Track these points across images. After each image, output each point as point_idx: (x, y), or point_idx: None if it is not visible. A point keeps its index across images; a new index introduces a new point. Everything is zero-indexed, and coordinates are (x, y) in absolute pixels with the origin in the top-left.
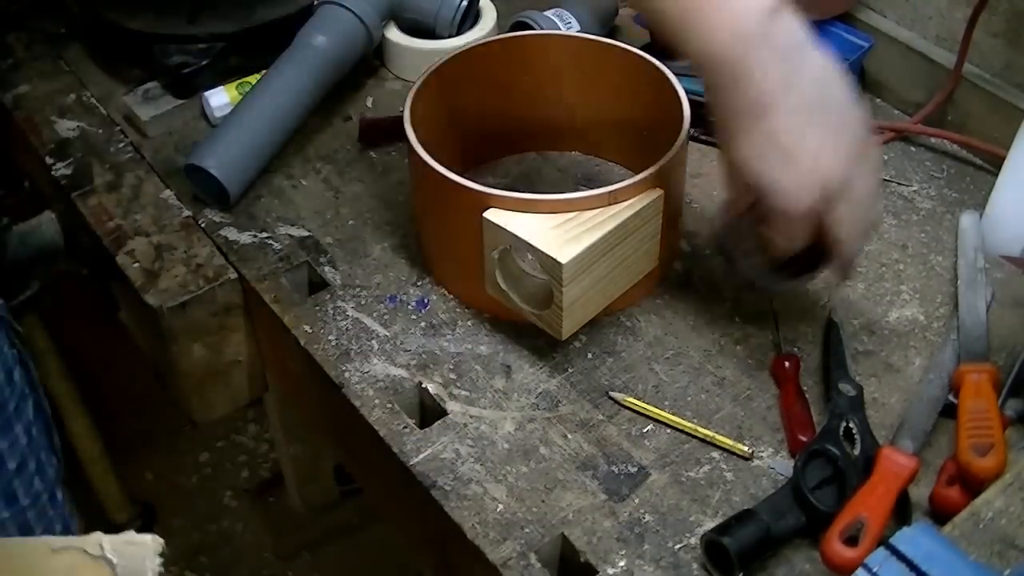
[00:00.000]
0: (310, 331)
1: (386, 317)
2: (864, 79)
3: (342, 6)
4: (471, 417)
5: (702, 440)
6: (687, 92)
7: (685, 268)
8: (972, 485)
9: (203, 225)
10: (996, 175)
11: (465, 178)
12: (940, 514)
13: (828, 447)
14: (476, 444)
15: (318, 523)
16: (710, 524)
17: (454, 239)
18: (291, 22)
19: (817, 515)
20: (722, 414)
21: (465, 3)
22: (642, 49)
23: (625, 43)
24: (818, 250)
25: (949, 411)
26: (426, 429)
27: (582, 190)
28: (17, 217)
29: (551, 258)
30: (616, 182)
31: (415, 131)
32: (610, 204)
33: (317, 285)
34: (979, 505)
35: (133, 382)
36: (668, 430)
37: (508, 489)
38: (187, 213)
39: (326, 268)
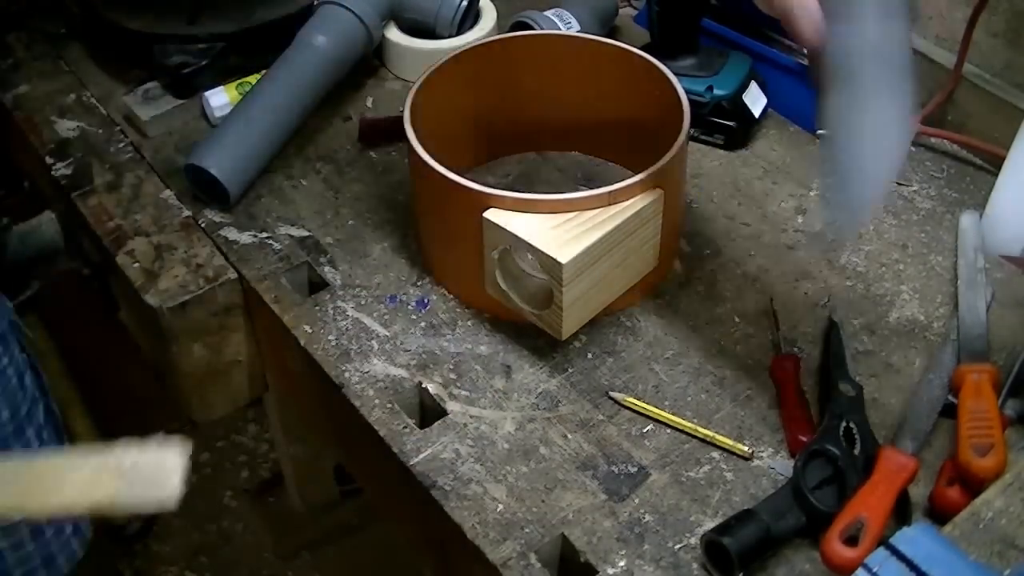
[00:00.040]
0: (310, 331)
1: (386, 317)
2: None
3: (342, 6)
4: (471, 417)
5: (702, 440)
6: (687, 92)
7: (685, 268)
8: (972, 485)
9: (203, 225)
10: (996, 175)
11: (465, 178)
12: (940, 514)
13: (828, 447)
14: (476, 444)
15: (318, 523)
16: (710, 524)
17: (454, 239)
18: (291, 22)
19: (817, 515)
20: (722, 414)
21: (465, 3)
22: (642, 49)
23: (625, 43)
24: None
25: (949, 411)
26: (426, 429)
27: (582, 190)
28: (17, 217)
29: (551, 258)
30: (616, 182)
31: (415, 131)
32: (610, 204)
33: (317, 285)
34: (979, 505)
35: (133, 382)
36: (668, 430)
37: (508, 489)
38: (187, 213)
39: (326, 268)
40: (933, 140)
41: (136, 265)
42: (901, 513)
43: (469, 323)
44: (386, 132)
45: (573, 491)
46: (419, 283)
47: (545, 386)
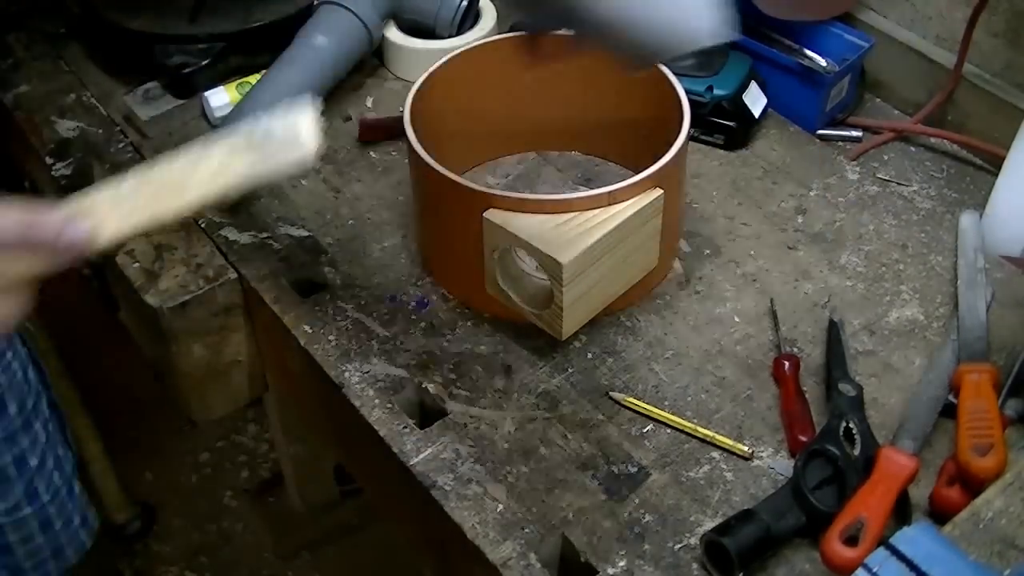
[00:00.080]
0: (310, 331)
1: (386, 317)
2: (864, 79)
3: (342, 6)
4: (471, 417)
5: (702, 440)
6: (687, 92)
7: (685, 268)
8: (972, 485)
9: (203, 225)
10: (996, 175)
11: (465, 178)
12: (940, 514)
13: (828, 447)
14: (476, 444)
15: (318, 523)
16: (710, 524)
17: (454, 239)
18: (291, 22)
19: (817, 515)
20: (722, 414)
21: (465, 3)
22: None
23: None
24: None
25: (949, 411)
26: (426, 429)
27: (582, 190)
28: None
29: (551, 258)
30: (616, 182)
31: (415, 131)
32: (610, 204)
33: (317, 285)
34: (979, 505)
35: (133, 382)
36: (668, 430)
37: (508, 489)
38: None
39: (326, 268)
40: (933, 140)
41: (136, 265)
42: (901, 513)
43: (469, 323)
44: (386, 132)
45: (573, 491)
46: (419, 283)
47: (545, 386)
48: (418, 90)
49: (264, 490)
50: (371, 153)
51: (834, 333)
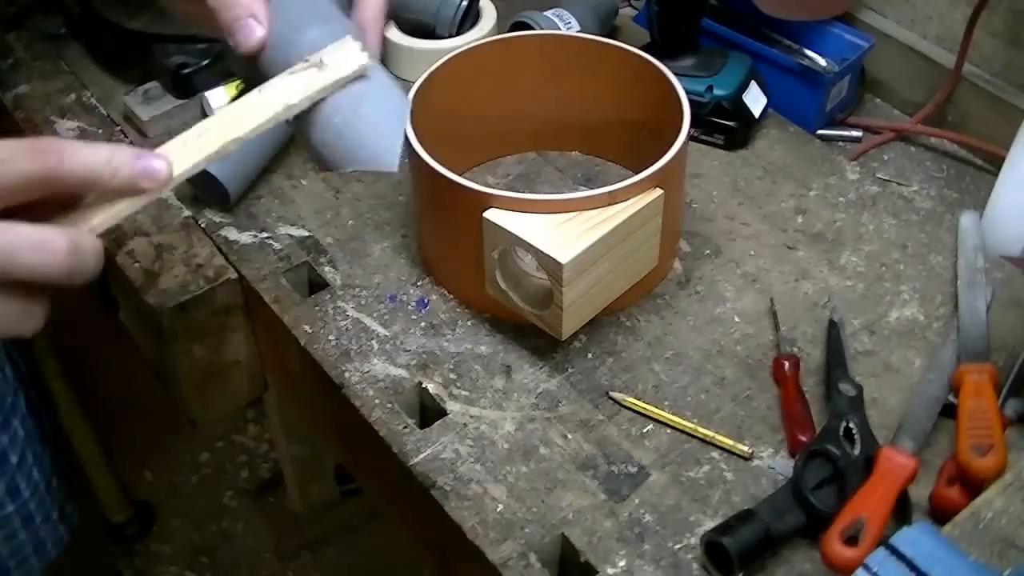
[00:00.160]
0: (310, 331)
1: (386, 317)
2: (864, 79)
3: None
4: (471, 417)
5: (702, 440)
6: (687, 92)
7: (685, 268)
8: (972, 485)
9: (203, 225)
10: (996, 175)
11: (465, 178)
12: (940, 514)
13: (828, 447)
14: (476, 444)
15: (318, 523)
16: (710, 524)
17: (454, 239)
18: None
19: (817, 515)
20: (722, 414)
21: (465, 3)
22: (642, 49)
23: (625, 43)
24: None
25: (949, 411)
26: (426, 429)
27: (582, 190)
28: None
29: (551, 258)
30: (616, 182)
31: (415, 131)
32: (610, 204)
33: (317, 285)
34: (979, 505)
35: (133, 382)
36: (668, 430)
37: (508, 489)
38: (187, 213)
39: (326, 268)
40: (933, 140)
41: (136, 265)
42: (901, 513)
43: (469, 323)
44: None
45: (573, 491)
46: (419, 283)
47: (545, 386)
48: (418, 90)
49: (264, 490)
50: None
51: (834, 333)
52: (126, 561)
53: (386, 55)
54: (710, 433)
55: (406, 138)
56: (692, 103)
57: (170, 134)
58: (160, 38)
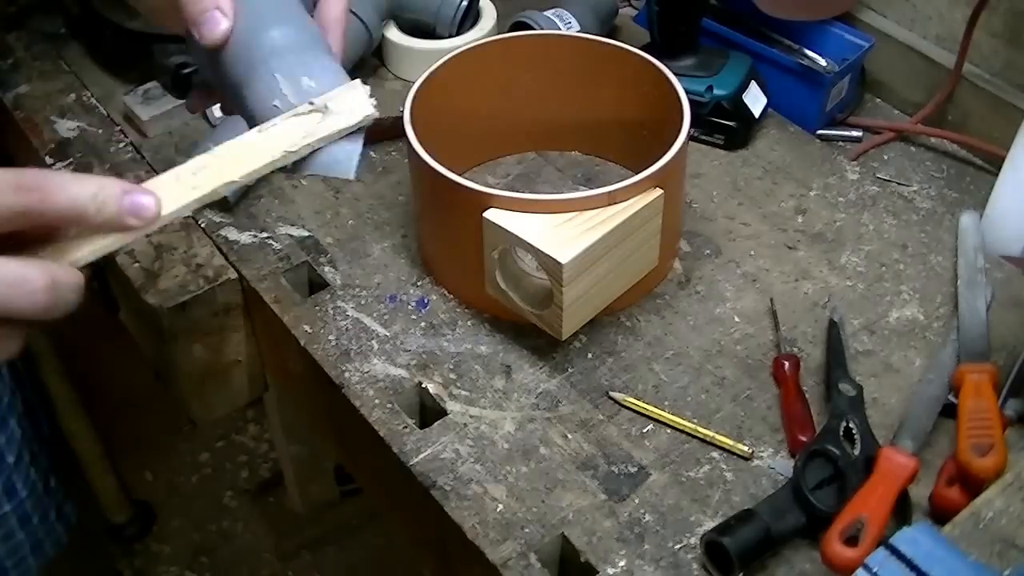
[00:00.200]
0: (310, 331)
1: (386, 317)
2: (864, 79)
3: None
4: (471, 417)
5: (702, 440)
6: (687, 92)
7: (685, 268)
8: (972, 485)
9: (203, 225)
10: (996, 175)
11: (465, 178)
12: (940, 514)
13: (828, 447)
14: (476, 444)
15: (318, 523)
16: (710, 524)
17: (454, 239)
18: None
19: (817, 515)
20: (722, 414)
21: (465, 3)
22: (642, 49)
23: (625, 43)
24: None
25: (949, 411)
26: (426, 429)
27: (582, 190)
28: None
29: (551, 258)
30: (616, 182)
31: (415, 131)
32: (610, 204)
33: (317, 285)
34: (979, 505)
35: (133, 382)
36: (668, 430)
37: (508, 489)
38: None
39: (326, 268)
40: (933, 140)
41: (136, 265)
42: (901, 513)
43: (469, 323)
44: (386, 132)
45: (573, 491)
46: (419, 283)
47: (545, 386)
48: (418, 90)
49: (264, 490)
50: (371, 153)
51: (834, 333)
52: (126, 561)
53: (386, 55)
54: (710, 433)
55: (406, 138)
56: (692, 103)
57: (170, 134)
58: (160, 38)
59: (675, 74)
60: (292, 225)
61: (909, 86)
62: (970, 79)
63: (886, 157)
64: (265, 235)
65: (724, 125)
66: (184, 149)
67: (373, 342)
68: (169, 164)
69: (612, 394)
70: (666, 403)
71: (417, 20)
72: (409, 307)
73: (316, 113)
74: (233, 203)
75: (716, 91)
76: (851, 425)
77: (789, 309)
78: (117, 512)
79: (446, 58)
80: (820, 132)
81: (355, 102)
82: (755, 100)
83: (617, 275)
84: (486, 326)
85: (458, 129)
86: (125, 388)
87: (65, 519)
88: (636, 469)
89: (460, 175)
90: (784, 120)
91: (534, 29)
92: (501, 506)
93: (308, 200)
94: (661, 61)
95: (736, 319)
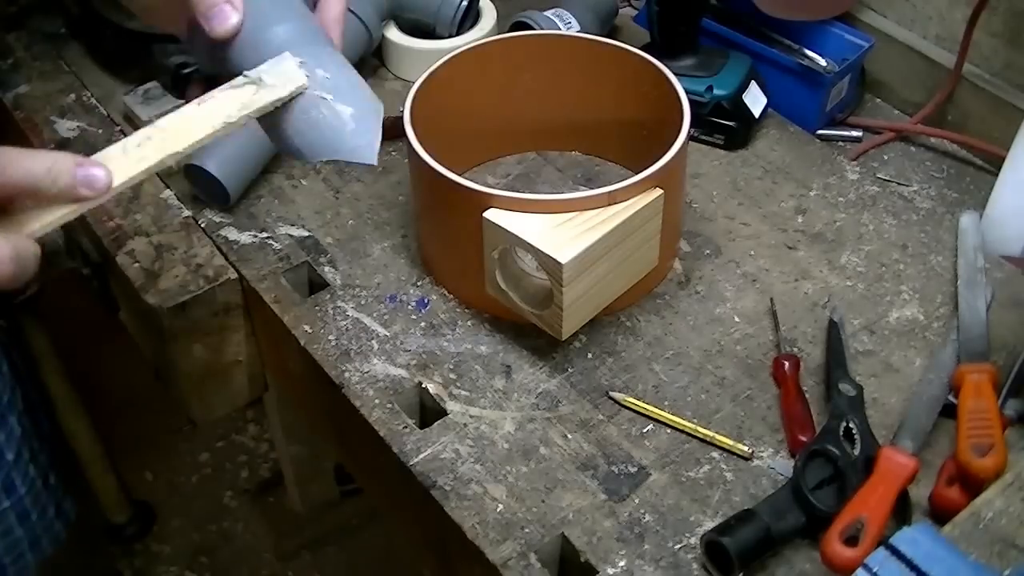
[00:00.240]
0: (310, 331)
1: (386, 317)
2: (864, 79)
3: None
4: (471, 417)
5: (702, 440)
6: (687, 92)
7: (685, 268)
8: (972, 485)
9: (203, 225)
10: (996, 175)
11: (465, 178)
12: (940, 514)
13: (828, 447)
14: (476, 444)
15: (318, 523)
16: (710, 524)
17: (454, 239)
18: None
19: (817, 515)
20: (722, 414)
21: (465, 3)
22: (642, 49)
23: (625, 43)
24: None
25: (949, 411)
26: (426, 429)
27: (582, 190)
28: None
29: (551, 258)
30: (616, 182)
31: (415, 131)
32: (610, 204)
33: (317, 285)
34: (979, 505)
35: (133, 382)
36: (668, 430)
37: (508, 489)
38: (187, 213)
39: (326, 268)
40: (933, 140)
41: (136, 265)
42: (901, 513)
43: (469, 323)
44: (386, 132)
45: (573, 491)
46: (419, 283)
47: (545, 386)
48: (418, 90)
49: (264, 490)
50: None
51: (834, 333)
52: (126, 561)
53: (386, 55)
54: (710, 433)
55: (406, 138)
56: (692, 103)
57: None
58: (160, 38)
59: (675, 74)
60: (292, 225)
61: (909, 86)
62: (970, 79)
63: (886, 157)
64: (265, 235)
65: (724, 125)
66: None
67: (373, 342)
68: None
69: (612, 394)
70: (666, 403)
71: (417, 20)
72: (409, 307)
73: (251, 85)
74: (233, 203)
75: (716, 91)
76: (851, 425)
77: (789, 309)
78: (117, 512)
79: (446, 58)
80: (820, 132)
81: (287, 74)
82: (755, 100)
83: (617, 275)
84: (486, 326)
85: (458, 129)
86: (125, 388)
87: (64, 516)
88: (636, 469)
89: (460, 175)
90: (784, 120)
91: (534, 29)
92: (501, 506)
93: (308, 200)
94: (661, 61)
95: (736, 319)
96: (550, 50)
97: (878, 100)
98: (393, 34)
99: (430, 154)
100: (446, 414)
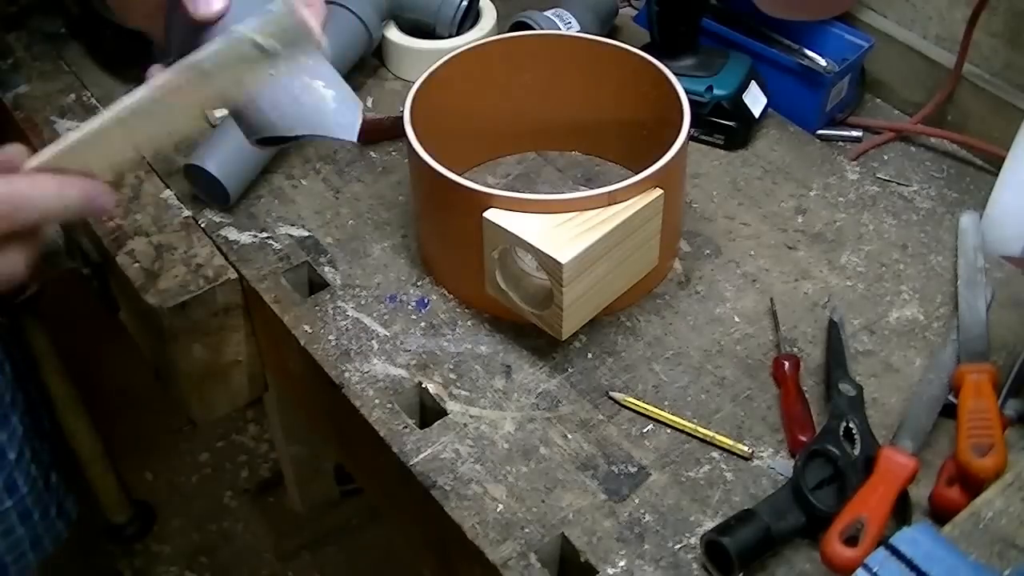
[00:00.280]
0: (310, 331)
1: (386, 317)
2: (864, 79)
3: (342, 6)
4: (471, 417)
5: (702, 440)
6: (687, 92)
7: (685, 268)
8: (972, 485)
9: (203, 225)
10: (996, 175)
11: (465, 178)
12: (940, 514)
13: (828, 447)
14: (476, 444)
15: (318, 523)
16: (710, 524)
17: (454, 239)
18: None
19: (817, 515)
20: (722, 414)
21: (465, 3)
22: (642, 49)
23: (625, 43)
24: None
25: (949, 411)
26: (426, 429)
27: (582, 190)
28: None
29: (551, 258)
30: (616, 182)
31: (415, 131)
32: (610, 204)
33: (317, 285)
34: (979, 505)
35: (133, 382)
36: (668, 430)
37: (508, 489)
38: (187, 213)
39: (326, 268)
40: (933, 140)
41: (136, 265)
42: (901, 513)
43: (469, 323)
44: (386, 132)
45: (573, 491)
46: (419, 283)
47: (545, 386)
48: (418, 90)
49: (264, 490)
50: (371, 153)
51: (834, 333)
52: (126, 561)
53: (386, 55)
54: (710, 433)
55: (406, 138)
56: (692, 103)
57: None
58: None
59: (675, 74)
60: (292, 225)
61: (909, 86)
62: (970, 79)
63: (886, 157)
64: (265, 235)
65: (724, 125)
66: (184, 149)
67: (373, 342)
68: (169, 163)
69: (612, 394)
70: (666, 403)
71: (417, 20)
72: (409, 307)
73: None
74: (233, 203)
75: (716, 91)
76: (851, 425)
77: (789, 309)
78: (117, 512)
79: (446, 58)
80: (820, 132)
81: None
82: (755, 100)
83: (617, 275)
84: (486, 326)
85: (458, 129)
86: (125, 388)
87: (66, 515)
88: (636, 469)
89: (460, 175)
90: (784, 120)
91: (534, 29)
92: (501, 506)
93: (308, 200)
94: (661, 61)
95: (736, 319)
96: (550, 50)
97: (878, 100)
98: (393, 34)
99: (430, 154)
100: (446, 414)
